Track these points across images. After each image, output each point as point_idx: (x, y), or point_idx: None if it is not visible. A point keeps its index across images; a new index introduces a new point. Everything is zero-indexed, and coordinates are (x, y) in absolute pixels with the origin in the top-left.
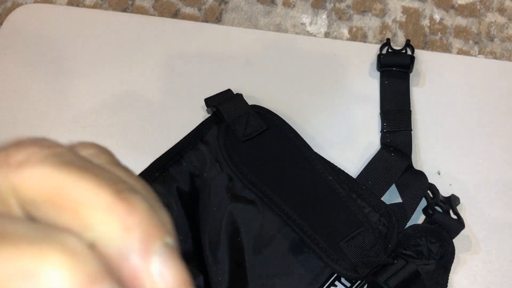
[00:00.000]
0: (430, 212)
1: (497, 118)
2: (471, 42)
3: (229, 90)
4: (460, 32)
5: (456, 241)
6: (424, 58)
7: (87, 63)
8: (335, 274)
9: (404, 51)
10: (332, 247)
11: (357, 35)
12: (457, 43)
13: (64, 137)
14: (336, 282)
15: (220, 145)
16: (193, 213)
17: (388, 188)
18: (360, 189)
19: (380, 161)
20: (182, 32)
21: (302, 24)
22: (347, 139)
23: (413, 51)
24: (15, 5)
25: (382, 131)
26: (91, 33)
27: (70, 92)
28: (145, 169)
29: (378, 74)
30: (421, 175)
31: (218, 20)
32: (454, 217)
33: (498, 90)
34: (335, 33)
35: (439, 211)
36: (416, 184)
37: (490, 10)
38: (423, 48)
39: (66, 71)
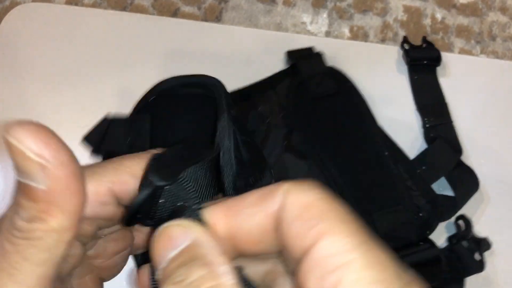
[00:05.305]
0: (454, 241)
1: (499, 118)
2: (472, 41)
3: (312, 48)
4: (462, 32)
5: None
6: None
7: (86, 62)
8: None
9: (424, 47)
10: (364, 216)
11: (358, 34)
12: (458, 43)
13: (62, 137)
14: None
15: (290, 97)
16: None
17: (438, 178)
18: (414, 171)
19: (437, 149)
20: (181, 31)
21: (303, 23)
22: None
23: (432, 46)
24: (13, 4)
25: (424, 126)
26: (90, 32)
27: (69, 91)
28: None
29: (378, 73)
30: (472, 172)
31: (218, 19)
32: (478, 258)
33: (500, 90)
34: (336, 32)
35: (464, 246)
36: (469, 180)
37: (492, 9)
38: None
39: (65, 71)
